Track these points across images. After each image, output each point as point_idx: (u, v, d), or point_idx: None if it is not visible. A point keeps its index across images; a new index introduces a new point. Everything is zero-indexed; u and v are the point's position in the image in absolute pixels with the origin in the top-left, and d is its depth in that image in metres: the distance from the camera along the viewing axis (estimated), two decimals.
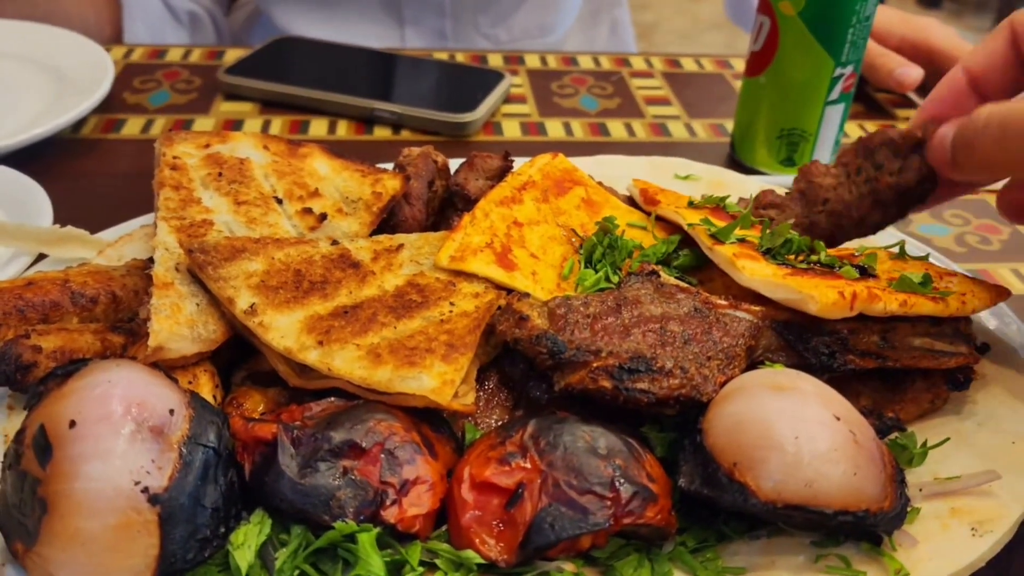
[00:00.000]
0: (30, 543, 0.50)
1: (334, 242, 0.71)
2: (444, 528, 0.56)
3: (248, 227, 0.73)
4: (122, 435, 0.51)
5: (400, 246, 0.72)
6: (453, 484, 0.55)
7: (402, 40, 1.67)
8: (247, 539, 0.53)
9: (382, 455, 0.54)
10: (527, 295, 0.66)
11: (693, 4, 5.51)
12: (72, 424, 0.51)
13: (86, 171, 1.08)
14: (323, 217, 0.76)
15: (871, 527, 0.53)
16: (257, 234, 0.72)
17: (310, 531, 0.53)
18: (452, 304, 0.66)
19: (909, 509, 0.55)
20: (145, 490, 0.50)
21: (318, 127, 1.20)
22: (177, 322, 0.62)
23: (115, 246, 0.81)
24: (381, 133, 1.20)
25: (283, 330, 0.62)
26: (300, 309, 0.64)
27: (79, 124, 1.16)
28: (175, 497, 0.51)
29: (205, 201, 0.74)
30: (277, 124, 1.20)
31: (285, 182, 0.79)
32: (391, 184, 0.81)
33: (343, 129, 1.20)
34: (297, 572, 0.52)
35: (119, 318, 0.73)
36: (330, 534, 0.52)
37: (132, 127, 1.18)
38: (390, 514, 0.53)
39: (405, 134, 1.20)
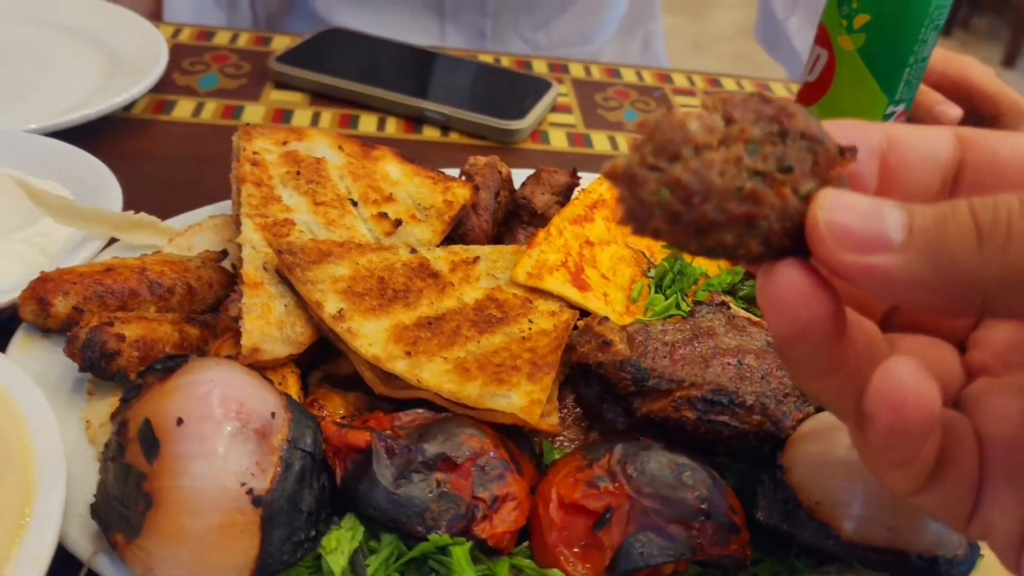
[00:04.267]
0: (132, 536, 0.51)
1: (413, 250, 0.72)
2: (524, 545, 0.57)
3: (327, 228, 0.74)
4: (228, 436, 0.52)
5: (476, 258, 0.73)
6: (539, 503, 0.57)
7: (441, 36, 1.67)
8: (339, 544, 0.54)
9: (473, 470, 0.56)
10: (606, 319, 0.67)
11: (702, 11, 5.53)
12: (179, 422, 0.52)
13: (136, 152, 1.08)
14: (398, 223, 0.77)
15: (943, 572, 0.55)
16: (336, 236, 0.73)
17: (400, 540, 0.55)
18: (531, 321, 0.68)
19: (978, 556, 0.58)
20: (250, 491, 0.51)
21: (367, 123, 1.21)
22: (268, 322, 0.63)
23: (184, 235, 0.81)
24: (430, 133, 1.21)
25: (370, 337, 0.63)
26: (385, 317, 0.65)
27: (130, 104, 1.16)
28: (276, 500, 0.52)
29: (285, 199, 0.75)
30: (327, 117, 1.21)
31: (360, 185, 0.79)
32: (461, 193, 0.82)
33: (392, 127, 1.21)
34: None
35: (193, 309, 0.74)
36: (424, 545, 0.53)
37: (183, 109, 1.18)
38: (481, 529, 0.54)
39: (453, 136, 1.20)
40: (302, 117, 1.20)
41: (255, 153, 0.78)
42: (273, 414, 0.54)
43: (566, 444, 0.65)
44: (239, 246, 0.73)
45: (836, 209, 0.33)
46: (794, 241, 0.34)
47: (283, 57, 1.27)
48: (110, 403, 0.65)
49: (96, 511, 0.54)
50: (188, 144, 1.11)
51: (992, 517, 0.37)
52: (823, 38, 1.07)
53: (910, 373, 0.33)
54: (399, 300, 0.66)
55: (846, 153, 0.35)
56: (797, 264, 0.34)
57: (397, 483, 0.55)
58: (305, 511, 0.54)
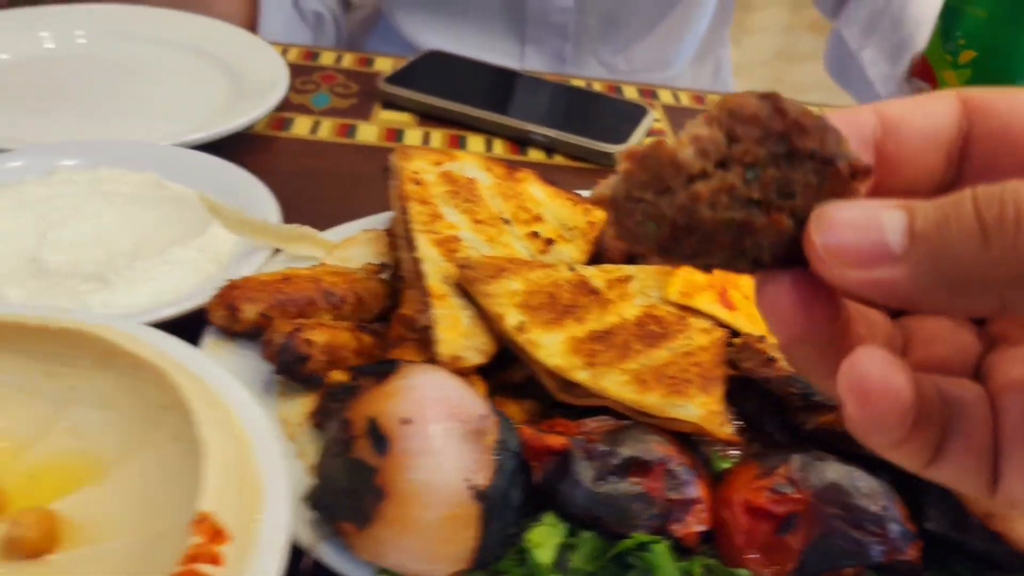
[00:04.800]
0: (363, 525, 0.56)
1: (571, 268, 0.77)
2: (705, 547, 0.61)
3: (489, 245, 0.78)
4: (451, 436, 0.56)
5: (628, 277, 0.78)
6: (722, 507, 0.61)
7: (521, 59, 1.73)
8: (545, 539, 0.58)
9: (664, 474, 0.60)
10: (763, 337, 0.71)
11: (738, 37, 5.59)
12: (406, 421, 0.56)
13: (257, 167, 1.13)
14: (550, 242, 0.82)
15: None
16: (498, 253, 0.78)
17: (598, 537, 0.59)
18: (689, 338, 0.72)
19: None
20: (472, 487, 0.56)
21: (475, 143, 1.26)
22: (458, 333, 0.67)
23: (341, 248, 0.86)
24: (535, 155, 1.26)
25: (550, 348, 0.67)
26: (560, 330, 0.69)
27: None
28: (493, 496, 0.56)
29: (448, 217, 0.80)
30: (437, 137, 1.26)
31: (511, 205, 0.84)
32: (599, 215, 0.87)
33: (499, 147, 1.26)
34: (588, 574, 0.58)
35: (362, 318, 0.78)
36: (626, 542, 0.57)
37: (300, 127, 1.24)
38: (676, 529, 0.58)
39: (557, 159, 1.25)
40: (413, 137, 1.25)
41: (415, 172, 0.83)
42: (483, 416, 0.59)
43: (730, 454, 0.69)
44: (399, 260, 0.78)
45: (832, 228, 0.32)
46: (792, 254, 0.33)
47: (392, 78, 1.32)
48: (302, 403, 0.69)
49: (319, 502, 0.59)
50: (301, 160, 1.17)
51: (1013, 486, 0.35)
52: (925, 71, 1.12)
53: (874, 363, 0.32)
54: (569, 314, 0.71)
55: (859, 175, 0.33)
56: (792, 276, 0.34)
57: (596, 483, 0.59)
58: (514, 507, 0.58)
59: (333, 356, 0.71)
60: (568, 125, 1.28)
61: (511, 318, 0.69)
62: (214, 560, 0.47)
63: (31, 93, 1.18)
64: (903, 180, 0.39)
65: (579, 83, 1.48)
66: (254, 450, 0.60)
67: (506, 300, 0.70)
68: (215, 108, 1.19)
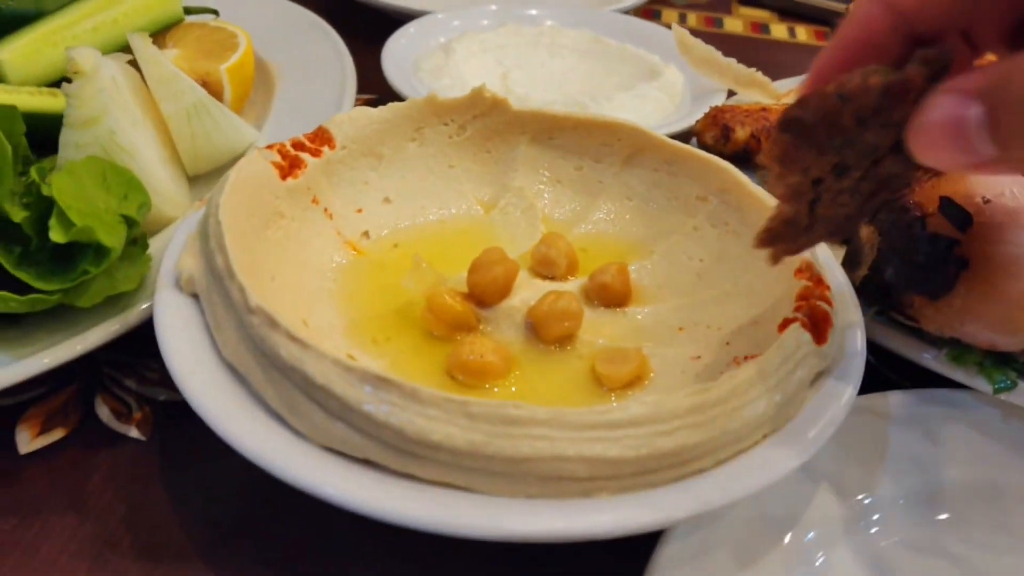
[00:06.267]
0: (937, 295, 0.59)
1: None
2: None
3: None
4: None
5: None
6: None
7: None
8: None
9: None
10: None
11: None
12: (985, 200, 0.58)
13: None
14: None
15: None
16: None
17: None
18: None
19: None
20: None
21: None
22: None
23: (785, 97, 0.89)
24: None
25: None
26: None
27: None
28: None
29: None
30: (801, 32, 1.27)
31: None
32: None
33: None
34: None
35: None
36: None
37: (668, 18, 1.28)
38: None
39: None
40: (778, 31, 1.27)
41: None
42: None
43: None
44: None
45: (923, 139, 0.35)
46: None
47: None
48: None
49: (885, 278, 0.61)
50: None
51: None
52: None
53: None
54: None
55: (936, 71, 0.36)
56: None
57: None
58: None
59: None
60: None
61: None
62: (825, 299, 0.50)
63: None
64: None
65: None
66: None
67: None
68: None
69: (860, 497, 0.52)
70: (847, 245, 0.68)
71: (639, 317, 0.59)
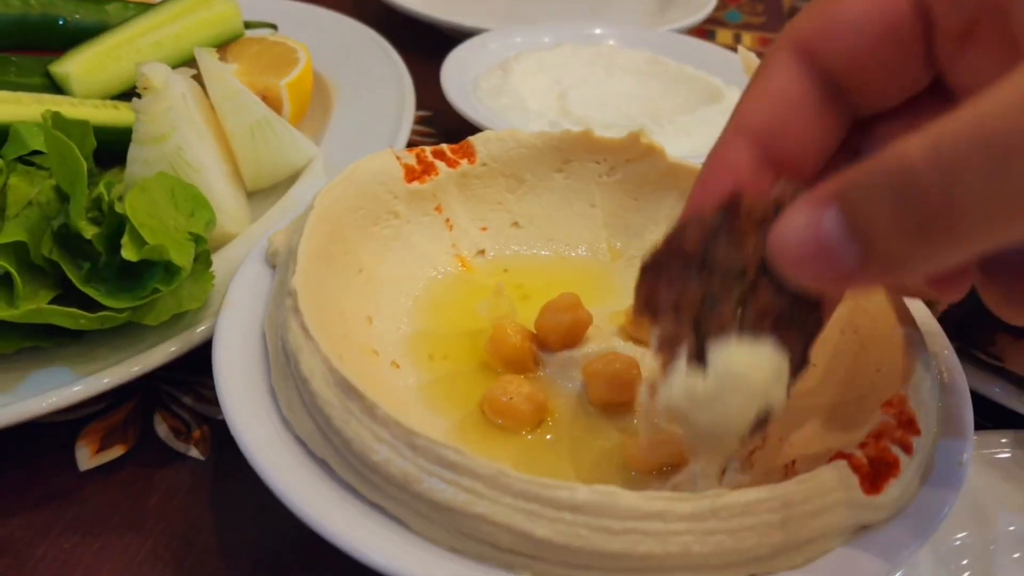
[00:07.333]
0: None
1: None
2: None
3: None
4: None
5: None
6: None
7: None
8: None
9: None
10: None
11: None
12: None
13: None
14: None
15: None
16: None
17: None
18: None
19: None
20: None
21: None
22: None
23: None
24: None
25: None
26: None
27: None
28: None
29: None
30: None
31: None
32: None
33: None
34: None
35: None
36: None
37: (723, 37, 1.27)
38: None
39: None
40: None
41: None
42: None
43: None
44: None
45: (782, 258, 0.33)
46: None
47: None
48: None
49: (975, 314, 0.58)
50: None
51: None
52: None
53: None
54: None
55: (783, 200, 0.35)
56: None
57: None
58: None
59: None
60: None
61: None
62: (905, 446, 0.41)
63: None
64: (883, 87, 0.37)
65: None
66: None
67: None
68: (648, 15, 1.24)
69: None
70: None
71: None
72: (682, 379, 0.36)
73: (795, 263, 0.32)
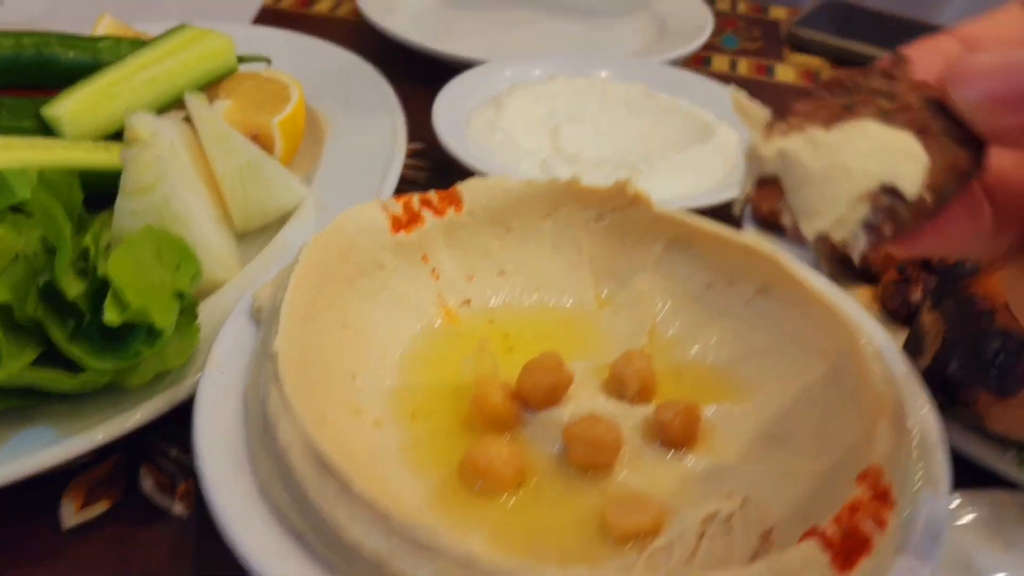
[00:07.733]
0: (1005, 394, 0.56)
1: None
2: None
3: None
4: None
5: None
6: None
7: None
8: None
9: None
10: None
11: None
12: None
13: None
14: None
15: None
16: None
17: None
18: None
19: None
20: None
21: None
22: None
23: None
24: None
25: None
26: None
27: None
28: None
29: None
30: None
31: None
32: None
33: None
34: None
35: None
36: None
37: (719, 64, 1.27)
38: None
39: None
40: None
41: None
42: None
43: None
44: None
45: (970, 80, 0.31)
46: None
47: (802, 22, 1.33)
48: (853, 293, 0.71)
49: (949, 375, 0.58)
50: None
51: None
52: None
53: None
54: None
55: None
56: None
57: None
58: None
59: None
60: None
61: None
62: (879, 521, 0.41)
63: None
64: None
65: None
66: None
67: None
68: (642, 46, 1.24)
69: None
70: (909, 328, 0.66)
71: (690, 465, 0.51)
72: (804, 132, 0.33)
73: (985, 90, 0.31)
